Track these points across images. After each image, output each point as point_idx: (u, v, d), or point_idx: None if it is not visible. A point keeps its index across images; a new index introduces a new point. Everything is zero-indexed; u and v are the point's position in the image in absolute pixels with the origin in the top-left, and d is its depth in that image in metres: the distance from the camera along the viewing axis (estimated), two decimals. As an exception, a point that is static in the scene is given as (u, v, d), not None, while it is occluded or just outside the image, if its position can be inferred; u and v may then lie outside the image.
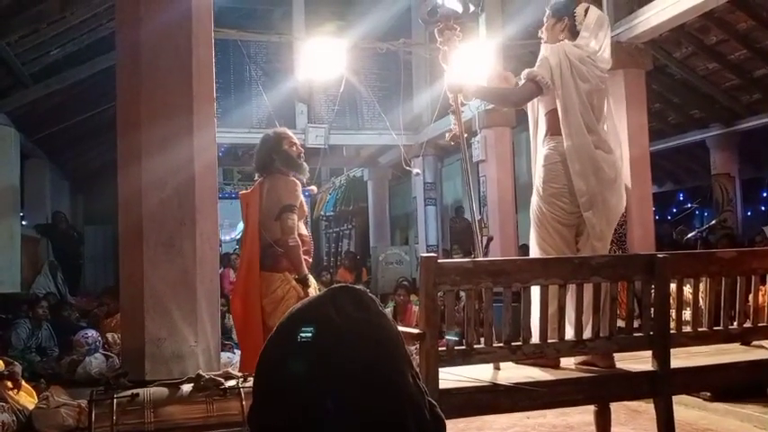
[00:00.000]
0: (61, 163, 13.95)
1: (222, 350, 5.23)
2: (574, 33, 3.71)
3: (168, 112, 4.18)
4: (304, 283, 4.31)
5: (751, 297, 3.51)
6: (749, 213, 13.85)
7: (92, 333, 7.43)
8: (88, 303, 10.35)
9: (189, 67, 4.25)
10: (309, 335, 1.11)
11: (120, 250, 4.30)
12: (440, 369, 2.90)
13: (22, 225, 11.03)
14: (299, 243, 4.36)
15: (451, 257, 10.24)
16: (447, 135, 4.05)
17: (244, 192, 4.92)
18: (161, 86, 4.20)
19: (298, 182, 4.49)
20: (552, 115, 3.61)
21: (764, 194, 15.04)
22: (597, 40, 3.66)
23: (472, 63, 8.11)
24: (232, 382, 3.66)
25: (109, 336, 7.62)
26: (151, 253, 4.09)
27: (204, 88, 4.36)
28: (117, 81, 4.37)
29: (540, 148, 3.70)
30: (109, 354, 7.18)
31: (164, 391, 3.59)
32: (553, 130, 3.60)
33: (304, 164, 4.63)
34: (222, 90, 11.45)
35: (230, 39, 11.12)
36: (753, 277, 3.50)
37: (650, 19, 7.33)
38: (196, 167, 4.24)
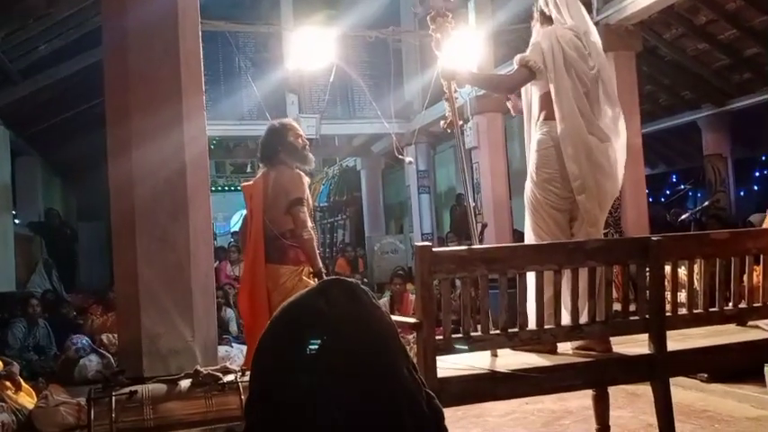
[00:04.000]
0: (52, 159, 13.89)
1: (219, 344, 5.22)
2: (548, 18, 3.69)
3: (157, 104, 4.16)
4: (319, 276, 4.28)
5: (746, 277, 3.51)
6: (742, 193, 13.88)
7: (78, 340, 7.41)
8: (84, 300, 10.32)
9: (176, 58, 4.23)
10: (302, 329, 1.10)
11: (114, 246, 4.29)
12: (437, 357, 2.90)
13: (14, 223, 10.99)
14: (313, 236, 4.38)
15: (447, 245, 10.24)
16: (442, 123, 4.03)
17: (246, 183, 4.83)
18: (149, 78, 4.18)
19: (303, 174, 4.44)
20: (546, 98, 3.60)
21: (757, 174, 15.08)
22: (572, 10, 3.64)
23: (464, 50, 8.11)
24: (230, 377, 3.66)
25: (104, 337, 7.57)
26: (144, 248, 4.08)
27: (192, 79, 4.34)
28: (105, 73, 4.34)
29: (534, 133, 3.69)
30: (104, 353, 7.15)
31: (162, 387, 3.59)
32: (547, 113, 3.59)
33: (309, 155, 4.59)
34: (211, 82, 11.38)
35: (218, 30, 11.05)
36: (747, 257, 3.51)
37: (639, 0, 7.31)
38: (187, 159, 4.22)
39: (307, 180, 4.46)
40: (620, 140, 3.70)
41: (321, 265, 4.36)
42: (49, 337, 7.96)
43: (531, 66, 3.56)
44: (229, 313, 8.96)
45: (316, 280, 4.23)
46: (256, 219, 4.38)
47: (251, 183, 4.70)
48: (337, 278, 1.24)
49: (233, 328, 8.84)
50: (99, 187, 6.16)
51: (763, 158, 14.40)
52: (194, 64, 4.38)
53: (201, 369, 3.70)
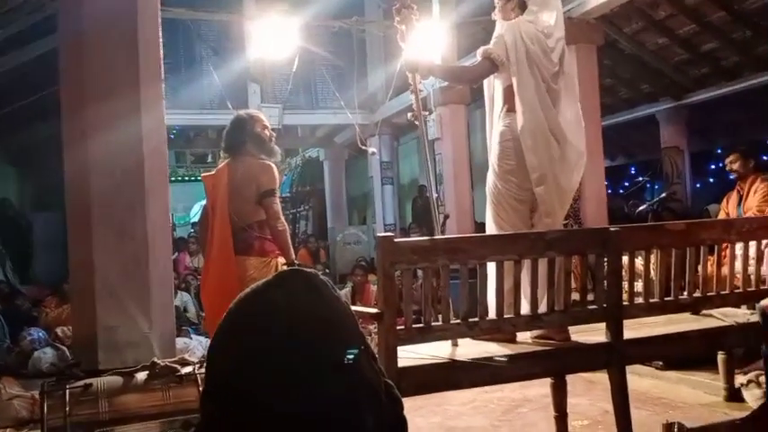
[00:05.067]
0: (6, 148, 13.53)
1: (178, 336, 5.15)
2: (524, 9, 3.71)
3: (114, 93, 4.06)
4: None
5: (700, 267, 3.59)
6: (698, 186, 14.19)
7: (35, 332, 7.25)
8: (39, 292, 10.09)
9: (134, 46, 4.13)
10: (258, 320, 1.09)
11: (69, 237, 4.18)
12: (398, 347, 2.90)
13: (-34, 214, 10.71)
14: (287, 227, 4.30)
15: (409, 236, 10.26)
16: (409, 114, 4.02)
17: (207, 174, 4.70)
18: (106, 66, 4.07)
19: (274, 165, 4.35)
20: (509, 91, 3.62)
21: (713, 167, 15.42)
22: (549, 11, 3.66)
23: (428, 42, 8.10)
24: (188, 369, 3.60)
25: (59, 330, 7.42)
26: (101, 240, 3.99)
27: (151, 68, 4.24)
28: (60, 61, 4.22)
29: (496, 125, 3.71)
30: (59, 346, 7.01)
31: (118, 380, 3.51)
32: (509, 106, 3.61)
33: (275, 147, 4.52)
34: (172, 71, 11.18)
35: (180, 18, 10.86)
36: (702, 248, 3.58)
37: (601, -6, 7.38)
38: (145, 149, 4.13)
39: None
40: (579, 137, 3.73)
41: (294, 256, 4.31)
42: (2, 329, 7.77)
43: (493, 58, 3.58)
44: (185, 297, 8.89)
45: None
46: (221, 210, 4.26)
47: (213, 173, 4.57)
48: (295, 268, 1.22)
49: (191, 309, 8.77)
50: (55, 177, 6.02)
51: (719, 151, 14.72)
52: (153, 52, 4.28)
53: (159, 361, 3.64)
